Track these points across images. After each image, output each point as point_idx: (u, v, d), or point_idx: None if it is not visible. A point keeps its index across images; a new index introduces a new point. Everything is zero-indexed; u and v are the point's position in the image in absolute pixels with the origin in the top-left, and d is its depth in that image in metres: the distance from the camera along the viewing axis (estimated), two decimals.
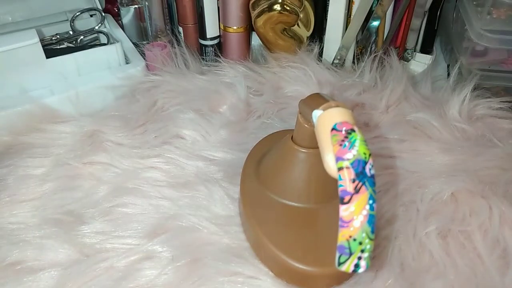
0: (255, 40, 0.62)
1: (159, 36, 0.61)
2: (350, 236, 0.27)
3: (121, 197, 0.42)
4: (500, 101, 0.51)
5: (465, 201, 0.39)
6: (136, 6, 0.60)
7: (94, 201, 0.43)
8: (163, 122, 0.50)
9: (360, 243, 0.27)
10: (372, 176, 0.28)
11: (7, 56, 0.48)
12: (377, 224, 0.28)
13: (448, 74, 0.60)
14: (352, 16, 0.57)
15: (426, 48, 0.64)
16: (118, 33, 0.59)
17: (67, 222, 0.40)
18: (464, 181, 0.41)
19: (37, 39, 0.48)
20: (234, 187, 0.43)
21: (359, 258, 0.28)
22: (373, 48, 0.60)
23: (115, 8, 0.64)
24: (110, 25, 0.60)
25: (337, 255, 0.28)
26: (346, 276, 0.35)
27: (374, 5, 0.57)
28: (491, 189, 0.41)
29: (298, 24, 0.57)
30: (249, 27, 0.59)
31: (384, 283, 0.35)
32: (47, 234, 0.39)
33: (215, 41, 0.61)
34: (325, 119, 0.29)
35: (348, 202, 0.27)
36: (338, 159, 0.28)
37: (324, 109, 0.30)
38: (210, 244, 0.38)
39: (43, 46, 0.50)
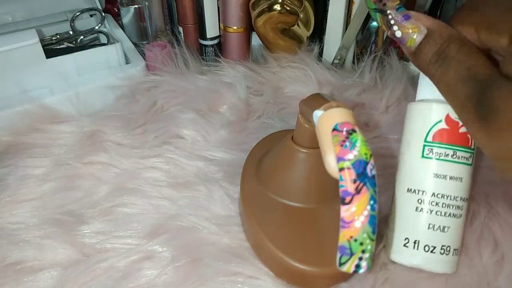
0: (255, 40, 0.62)
1: (159, 36, 0.61)
2: (351, 237, 0.27)
3: (121, 197, 0.42)
4: None
5: None
6: (136, 6, 0.60)
7: (94, 201, 0.43)
8: (163, 122, 0.50)
9: (361, 244, 0.27)
10: (373, 176, 0.28)
11: (7, 56, 0.48)
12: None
13: None
14: (352, 16, 0.57)
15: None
16: (118, 33, 0.59)
17: (67, 222, 0.40)
18: None
19: (37, 39, 0.48)
20: (234, 187, 0.43)
21: (360, 258, 0.28)
22: (373, 48, 0.60)
23: (115, 8, 0.64)
24: (110, 25, 0.60)
25: (338, 255, 0.28)
26: (346, 277, 0.35)
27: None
28: (489, 189, 0.41)
29: (298, 24, 0.57)
30: (249, 27, 0.59)
31: (379, 281, 0.35)
32: (47, 234, 0.39)
33: (215, 41, 0.61)
34: (326, 120, 0.29)
35: (349, 202, 0.27)
36: (339, 159, 0.28)
37: (325, 109, 0.30)
38: (210, 244, 0.38)
39: (43, 46, 0.49)
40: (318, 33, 0.60)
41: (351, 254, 0.27)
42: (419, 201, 0.34)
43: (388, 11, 0.31)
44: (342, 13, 0.56)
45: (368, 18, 0.57)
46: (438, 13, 0.61)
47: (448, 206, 0.33)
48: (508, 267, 0.35)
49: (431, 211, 0.33)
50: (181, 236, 0.38)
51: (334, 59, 0.60)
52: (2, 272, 0.37)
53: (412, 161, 0.35)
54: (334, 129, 0.28)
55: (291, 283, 0.35)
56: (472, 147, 0.34)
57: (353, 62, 0.60)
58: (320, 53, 0.60)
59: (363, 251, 0.27)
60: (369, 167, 0.28)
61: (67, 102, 0.51)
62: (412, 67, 0.61)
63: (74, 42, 0.58)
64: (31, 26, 0.55)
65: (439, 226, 0.33)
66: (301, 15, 0.56)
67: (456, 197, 0.34)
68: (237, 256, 0.37)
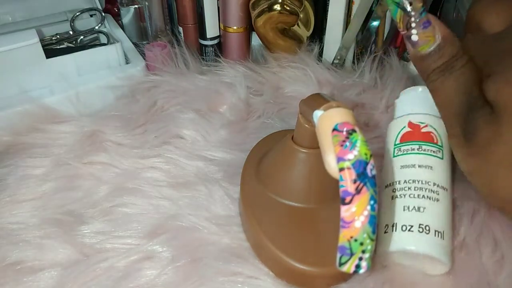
0: (255, 40, 0.62)
1: (159, 36, 0.61)
2: (351, 237, 0.27)
3: (121, 197, 0.42)
4: None
5: (461, 200, 0.39)
6: (136, 6, 0.60)
7: (94, 201, 0.43)
8: (163, 122, 0.50)
9: (361, 244, 0.27)
10: (373, 176, 0.28)
11: (7, 56, 0.48)
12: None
13: None
14: (352, 16, 0.57)
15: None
16: (118, 33, 0.59)
17: (67, 222, 0.40)
18: (461, 181, 0.41)
19: (37, 39, 0.48)
20: (234, 187, 0.43)
21: (360, 258, 0.28)
22: (373, 48, 0.60)
23: (115, 8, 0.64)
24: (110, 25, 0.60)
25: (338, 255, 0.28)
26: (346, 277, 0.35)
27: (374, 5, 0.57)
28: None
29: (298, 24, 0.57)
30: (249, 27, 0.59)
31: (378, 281, 0.35)
32: (47, 234, 0.39)
33: (215, 41, 0.61)
34: (326, 120, 0.29)
35: (349, 202, 0.27)
36: (339, 159, 0.28)
37: (325, 110, 0.30)
38: (210, 244, 0.38)
39: (43, 46, 0.49)
40: (318, 33, 0.60)
41: (351, 254, 0.28)
42: (393, 190, 0.36)
43: (413, 13, 0.30)
44: (342, 13, 0.56)
45: (368, 18, 0.57)
46: (438, 13, 0.61)
47: (421, 189, 0.35)
48: (508, 267, 0.35)
49: (404, 195, 0.35)
50: (181, 236, 0.38)
51: (334, 59, 0.60)
52: (2, 272, 0.37)
53: (387, 163, 0.39)
54: (334, 129, 0.29)
55: (291, 283, 0.35)
56: (439, 143, 0.38)
57: (353, 62, 0.60)
58: (320, 53, 0.60)
59: (363, 251, 0.27)
60: (369, 167, 0.28)
61: (67, 102, 0.51)
62: (412, 67, 0.61)
63: (74, 42, 0.58)
64: (31, 26, 0.55)
65: (414, 207, 0.34)
66: (301, 15, 0.56)
67: (428, 181, 0.35)
68: (237, 256, 0.37)
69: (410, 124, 0.39)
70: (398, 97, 0.43)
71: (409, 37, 0.31)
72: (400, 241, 0.34)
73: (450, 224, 0.36)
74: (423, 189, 0.35)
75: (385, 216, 0.36)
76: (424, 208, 0.34)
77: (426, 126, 0.39)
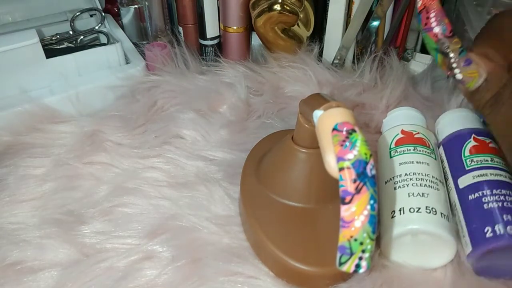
0: (255, 40, 0.62)
1: (159, 36, 0.61)
2: (351, 236, 0.27)
3: (121, 197, 0.42)
4: None
5: None
6: (136, 6, 0.60)
7: (94, 201, 0.43)
8: (163, 122, 0.50)
9: (361, 244, 0.27)
10: (373, 176, 0.28)
11: (7, 56, 0.48)
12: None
13: None
14: (352, 16, 0.57)
15: (426, 48, 0.64)
16: (118, 33, 0.59)
17: (67, 222, 0.40)
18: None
19: (37, 39, 0.48)
20: (234, 187, 0.43)
21: (360, 258, 0.28)
22: (373, 48, 0.60)
23: (115, 8, 0.64)
24: (110, 25, 0.60)
25: (338, 255, 0.28)
26: (346, 276, 0.35)
27: (374, 5, 0.57)
28: None
29: (298, 24, 0.57)
30: (249, 27, 0.59)
31: (377, 281, 0.35)
32: (47, 234, 0.39)
33: (215, 41, 0.61)
34: (326, 119, 0.29)
35: (349, 202, 0.27)
36: (339, 159, 0.28)
37: (325, 109, 0.30)
38: (210, 244, 0.38)
39: (43, 46, 0.49)
40: (318, 33, 0.60)
41: (351, 254, 0.27)
42: (395, 182, 0.38)
43: (451, 54, 0.31)
44: (342, 13, 0.56)
45: (368, 18, 0.57)
46: None
47: (422, 179, 0.37)
48: None
49: (407, 185, 0.37)
50: (181, 236, 0.38)
51: (334, 59, 0.60)
52: (2, 272, 0.37)
53: (384, 164, 0.41)
54: (334, 129, 0.29)
55: (291, 283, 0.35)
56: (431, 147, 0.41)
57: (353, 62, 0.60)
58: (320, 53, 0.60)
59: (363, 251, 0.27)
60: (369, 167, 0.28)
61: (67, 102, 0.51)
62: (412, 67, 0.62)
63: (74, 42, 0.58)
64: (31, 26, 0.55)
65: (419, 193, 0.36)
66: (301, 15, 0.56)
67: (427, 174, 0.37)
68: (237, 256, 0.37)
69: (403, 131, 0.42)
70: (386, 116, 0.47)
71: (454, 77, 0.32)
72: (410, 221, 0.35)
73: (450, 213, 0.37)
74: (424, 180, 0.37)
75: (390, 204, 0.37)
76: (428, 194, 0.36)
77: (418, 133, 0.42)
